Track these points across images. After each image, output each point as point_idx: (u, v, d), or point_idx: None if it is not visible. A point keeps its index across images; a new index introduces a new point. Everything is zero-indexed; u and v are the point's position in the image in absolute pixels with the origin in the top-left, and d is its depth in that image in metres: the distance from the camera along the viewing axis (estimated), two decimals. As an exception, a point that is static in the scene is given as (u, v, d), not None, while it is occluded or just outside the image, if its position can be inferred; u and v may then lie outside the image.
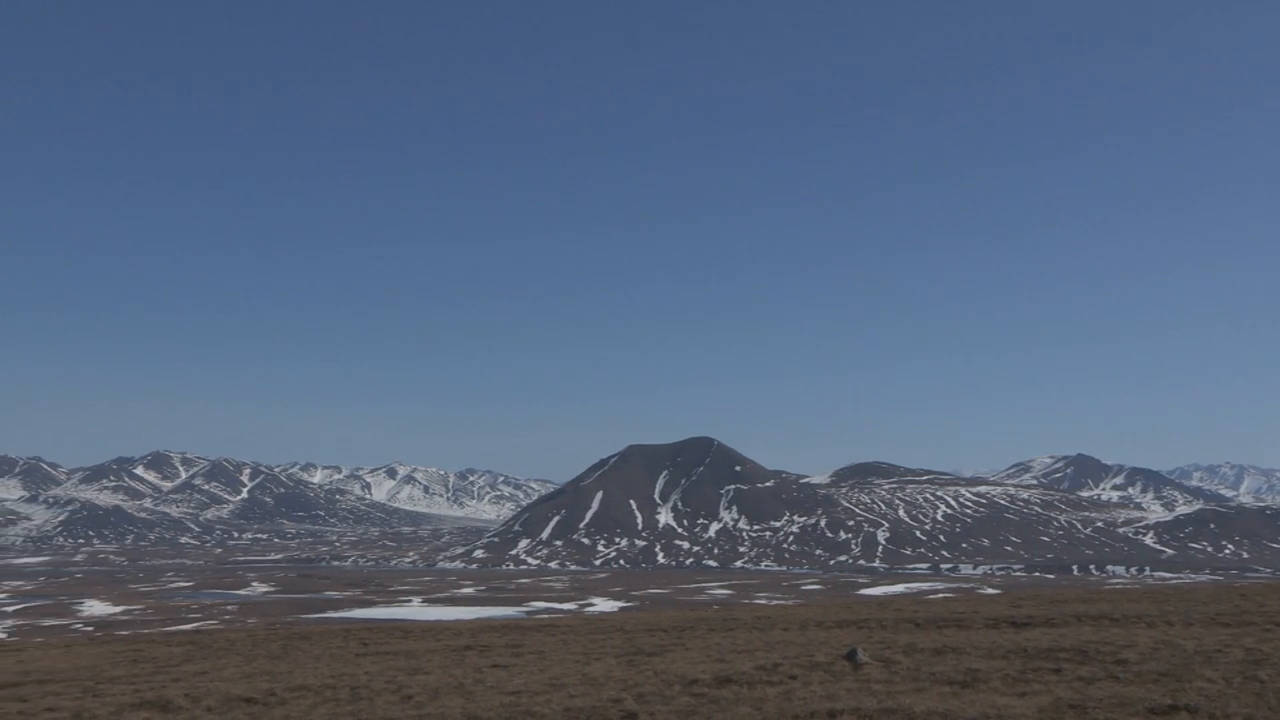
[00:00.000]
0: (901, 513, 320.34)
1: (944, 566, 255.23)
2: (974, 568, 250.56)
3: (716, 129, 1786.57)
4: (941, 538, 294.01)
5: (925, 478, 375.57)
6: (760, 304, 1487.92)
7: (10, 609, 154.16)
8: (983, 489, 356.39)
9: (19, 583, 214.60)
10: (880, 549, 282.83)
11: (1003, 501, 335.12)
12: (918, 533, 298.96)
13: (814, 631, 31.09)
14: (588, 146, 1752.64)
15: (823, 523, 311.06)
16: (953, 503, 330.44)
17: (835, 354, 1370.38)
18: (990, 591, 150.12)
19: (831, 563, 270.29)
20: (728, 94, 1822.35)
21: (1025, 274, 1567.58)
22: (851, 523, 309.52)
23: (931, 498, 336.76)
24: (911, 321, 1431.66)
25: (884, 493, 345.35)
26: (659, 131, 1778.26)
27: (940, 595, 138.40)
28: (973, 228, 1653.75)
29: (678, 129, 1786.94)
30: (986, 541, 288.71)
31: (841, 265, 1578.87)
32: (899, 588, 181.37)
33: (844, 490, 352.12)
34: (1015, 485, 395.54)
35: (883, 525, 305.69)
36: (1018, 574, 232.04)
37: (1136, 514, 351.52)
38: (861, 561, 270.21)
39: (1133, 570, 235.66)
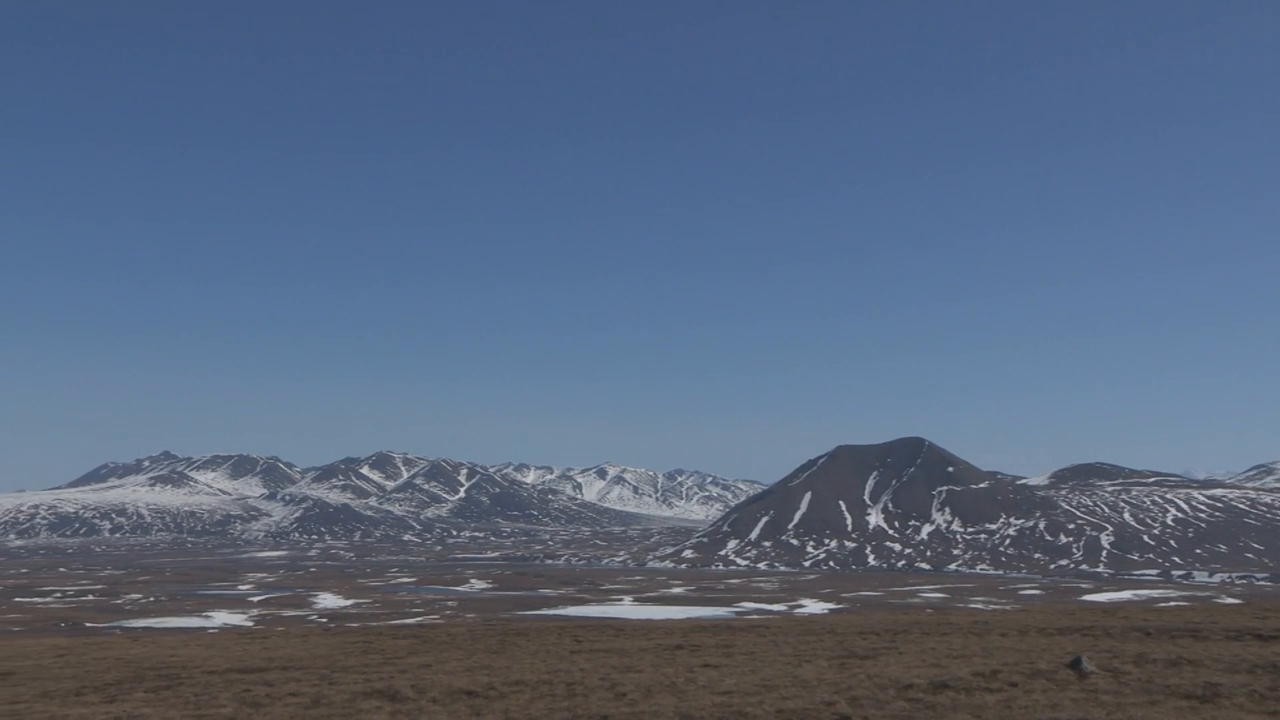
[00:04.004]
0: (1127, 516, 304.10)
1: (1175, 573, 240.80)
2: (1210, 575, 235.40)
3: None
4: (1172, 543, 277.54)
5: (1152, 479, 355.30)
6: (969, 302, 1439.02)
7: (255, 599, 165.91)
8: (1218, 492, 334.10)
9: (262, 575, 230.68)
10: (1104, 554, 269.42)
11: (1242, 506, 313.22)
12: (1145, 537, 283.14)
13: (1034, 638, 29.93)
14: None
15: (1041, 525, 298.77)
16: (1184, 506, 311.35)
17: (1052, 352, 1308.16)
18: (1230, 601, 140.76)
19: (1051, 567, 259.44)
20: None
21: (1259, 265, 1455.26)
22: (1072, 526, 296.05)
23: (1160, 500, 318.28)
24: (1133, 319, 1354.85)
25: (1107, 495, 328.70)
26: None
27: (1172, 604, 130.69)
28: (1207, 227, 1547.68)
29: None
30: (1224, 548, 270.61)
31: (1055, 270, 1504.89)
32: (1125, 594, 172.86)
33: (1063, 492, 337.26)
34: (1256, 488, 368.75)
35: (1106, 529, 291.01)
36: (1261, 583, 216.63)
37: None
38: (1083, 566, 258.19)
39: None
